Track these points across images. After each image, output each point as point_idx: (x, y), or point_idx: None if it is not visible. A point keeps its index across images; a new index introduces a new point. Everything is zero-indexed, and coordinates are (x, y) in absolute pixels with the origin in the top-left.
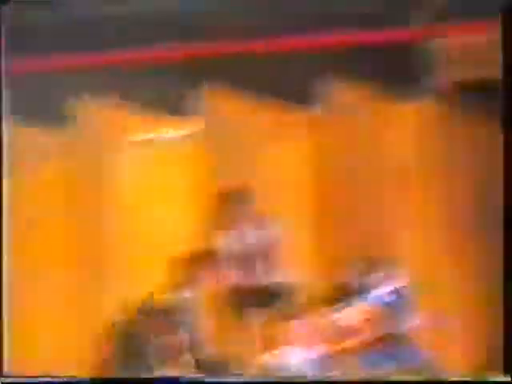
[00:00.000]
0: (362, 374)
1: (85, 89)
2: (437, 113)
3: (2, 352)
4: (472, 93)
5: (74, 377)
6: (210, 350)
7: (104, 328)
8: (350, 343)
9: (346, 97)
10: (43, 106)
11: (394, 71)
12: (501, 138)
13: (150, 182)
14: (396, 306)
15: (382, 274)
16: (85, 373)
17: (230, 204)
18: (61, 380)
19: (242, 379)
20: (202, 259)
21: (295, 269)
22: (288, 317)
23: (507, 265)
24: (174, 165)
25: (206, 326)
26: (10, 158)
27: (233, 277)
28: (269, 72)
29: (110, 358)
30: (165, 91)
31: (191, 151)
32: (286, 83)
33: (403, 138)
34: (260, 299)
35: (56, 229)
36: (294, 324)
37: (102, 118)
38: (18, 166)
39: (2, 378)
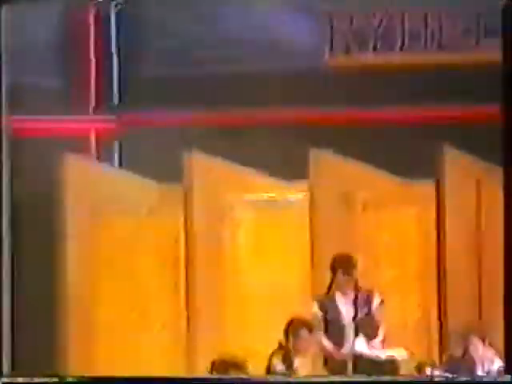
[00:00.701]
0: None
1: (198, 144)
2: None
3: (1, 352)
4: None
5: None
6: None
7: None
8: None
9: (460, 170)
10: (157, 159)
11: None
12: None
13: (260, 241)
14: None
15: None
16: None
17: (334, 272)
18: (61, 380)
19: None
20: (304, 326)
21: (398, 343)
22: None
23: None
24: (286, 227)
25: None
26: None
27: (327, 347)
28: (379, 141)
29: None
30: (276, 153)
31: (299, 215)
32: (394, 153)
33: None
34: (358, 371)
35: (165, 280)
36: None
37: (214, 174)
38: (127, 216)
39: (2, 378)
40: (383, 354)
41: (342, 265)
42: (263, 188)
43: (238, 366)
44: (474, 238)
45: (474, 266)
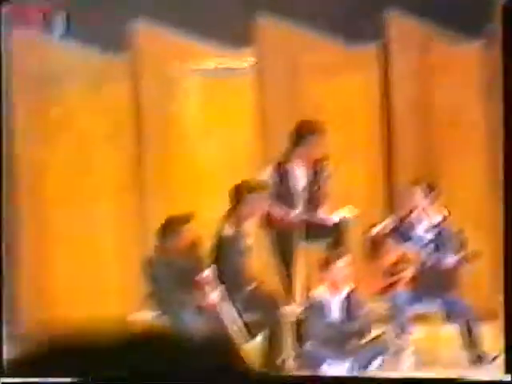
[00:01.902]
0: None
1: (144, 12)
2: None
3: (1, 352)
4: None
5: (75, 377)
6: (250, 287)
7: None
8: (390, 281)
9: (407, 34)
10: (102, 28)
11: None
12: None
13: (209, 110)
14: (436, 243)
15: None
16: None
17: (295, 139)
18: (61, 381)
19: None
20: (252, 190)
21: (349, 207)
22: (334, 255)
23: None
24: (234, 95)
25: (251, 262)
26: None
27: (278, 212)
28: (326, 7)
29: (148, 295)
30: (223, 20)
31: (250, 82)
32: (343, 19)
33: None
34: (308, 236)
35: (111, 151)
36: (338, 263)
37: (160, 43)
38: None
39: (2, 378)
40: (333, 218)
41: (307, 132)
42: (210, 57)
43: (185, 219)
44: (420, 99)
45: (422, 126)
